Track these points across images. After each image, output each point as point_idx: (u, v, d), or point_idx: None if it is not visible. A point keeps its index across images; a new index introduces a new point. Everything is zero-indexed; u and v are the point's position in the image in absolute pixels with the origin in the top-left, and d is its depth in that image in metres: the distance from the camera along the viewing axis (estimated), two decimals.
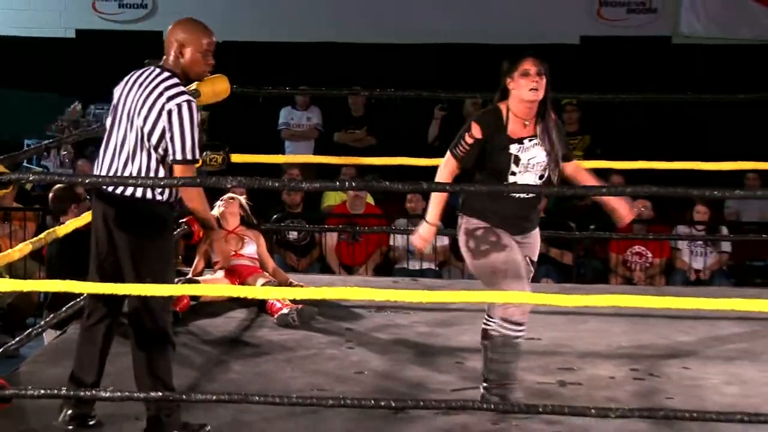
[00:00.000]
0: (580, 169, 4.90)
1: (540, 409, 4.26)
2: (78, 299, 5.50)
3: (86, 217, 5.57)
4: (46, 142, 6.74)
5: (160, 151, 4.23)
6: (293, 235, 9.36)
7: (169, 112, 4.17)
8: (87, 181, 4.14)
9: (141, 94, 4.24)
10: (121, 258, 4.28)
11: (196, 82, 6.17)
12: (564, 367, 5.30)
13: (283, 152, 10.73)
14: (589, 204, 10.17)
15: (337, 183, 4.96)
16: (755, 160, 6.56)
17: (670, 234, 9.40)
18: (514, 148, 4.64)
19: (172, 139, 4.17)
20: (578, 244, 9.48)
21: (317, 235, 9.47)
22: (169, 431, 4.30)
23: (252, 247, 6.59)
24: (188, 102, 4.21)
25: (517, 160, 4.65)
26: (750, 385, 5.10)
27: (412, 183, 4.40)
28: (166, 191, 4.27)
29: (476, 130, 4.65)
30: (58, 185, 6.99)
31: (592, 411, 4.37)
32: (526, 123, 4.69)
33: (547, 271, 9.35)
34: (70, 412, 4.41)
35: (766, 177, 8.82)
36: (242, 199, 6.80)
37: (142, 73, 4.33)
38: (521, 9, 11.02)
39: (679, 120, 10.47)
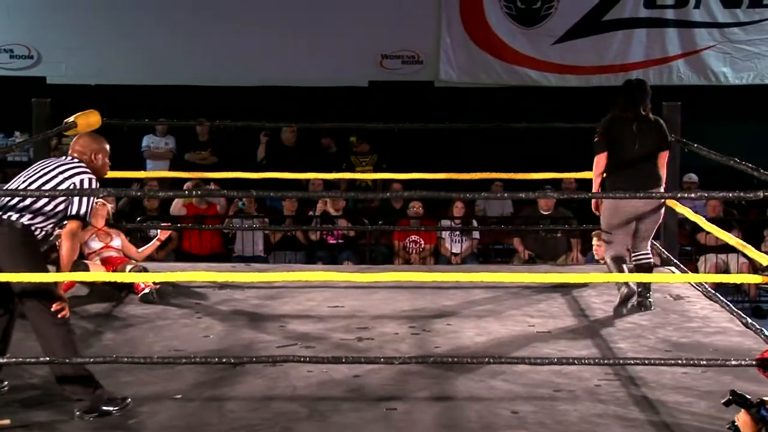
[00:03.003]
0: None
1: (343, 360, 4.25)
2: None
3: None
4: None
5: None
6: (153, 231, 9.10)
7: None
8: None
9: None
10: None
11: (74, 115, 5.90)
12: (361, 327, 5.30)
13: (145, 169, 10.46)
14: (376, 206, 10.27)
15: (186, 191, 4.87)
16: (498, 172, 6.72)
17: (436, 226, 9.57)
18: None
19: None
20: (370, 234, 9.55)
21: (173, 231, 9.25)
22: (99, 404, 4.03)
23: (118, 241, 6.37)
24: None
25: None
26: (494, 335, 5.18)
27: (244, 191, 4.33)
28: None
29: None
30: None
31: (381, 359, 4.40)
32: None
33: (347, 255, 9.39)
34: None
35: (507, 184, 9.03)
36: (110, 206, 6.62)
37: None
38: (325, 60, 11.05)
39: (443, 142, 10.68)
